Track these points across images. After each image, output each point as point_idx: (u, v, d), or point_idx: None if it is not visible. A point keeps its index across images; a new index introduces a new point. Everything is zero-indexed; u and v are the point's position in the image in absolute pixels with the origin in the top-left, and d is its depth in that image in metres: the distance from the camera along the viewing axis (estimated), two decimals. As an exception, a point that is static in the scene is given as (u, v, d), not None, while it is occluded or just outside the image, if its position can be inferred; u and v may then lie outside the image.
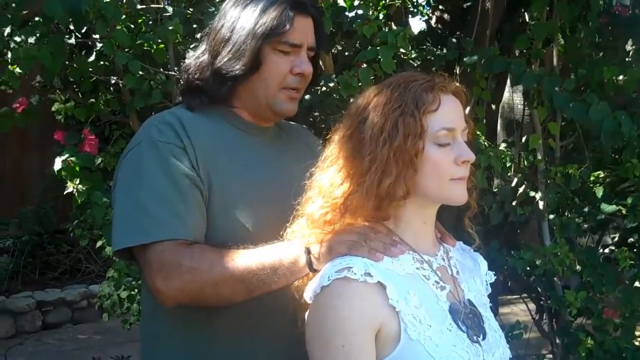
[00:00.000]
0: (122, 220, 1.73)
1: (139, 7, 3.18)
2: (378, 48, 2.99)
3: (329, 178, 1.62)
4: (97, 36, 3.26)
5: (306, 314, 1.56)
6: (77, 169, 3.06)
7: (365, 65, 3.31)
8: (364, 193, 1.54)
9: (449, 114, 1.58)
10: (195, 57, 1.93)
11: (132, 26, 3.25)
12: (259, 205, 1.81)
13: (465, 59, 3.60)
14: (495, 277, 1.82)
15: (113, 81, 3.49)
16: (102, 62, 3.41)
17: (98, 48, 3.28)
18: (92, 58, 3.34)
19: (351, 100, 3.65)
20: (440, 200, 1.61)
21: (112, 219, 1.76)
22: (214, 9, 3.17)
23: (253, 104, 1.89)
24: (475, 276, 1.75)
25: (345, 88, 3.08)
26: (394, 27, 3.55)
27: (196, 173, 1.75)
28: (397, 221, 1.61)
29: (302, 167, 1.72)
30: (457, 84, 1.64)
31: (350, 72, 3.05)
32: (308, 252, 1.60)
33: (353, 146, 1.59)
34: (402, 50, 3.24)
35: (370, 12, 3.79)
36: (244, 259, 1.64)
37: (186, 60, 1.95)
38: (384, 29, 3.25)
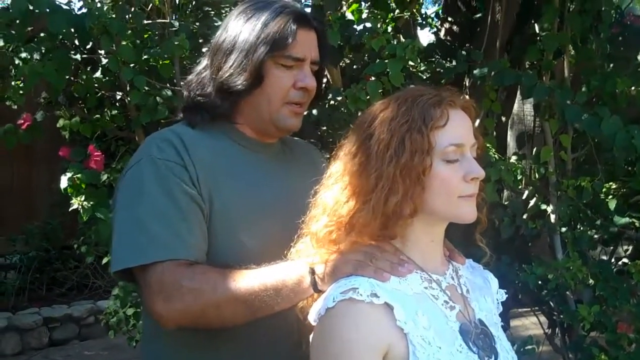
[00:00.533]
0: (121, 240, 1.69)
1: (145, 22, 3.15)
2: (387, 61, 2.94)
3: (334, 196, 1.58)
4: (102, 52, 3.24)
5: (311, 336, 1.51)
6: (83, 186, 3.02)
7: (373, 78, 3.27)
8: (370, 211, 1.50)
9: (457, 130, 1.53)
10: (197, 72, 1.90)
11: (138, 41, 3.21)
12: (262, 224, 1.77)
13: (475, 72, 3.55)
14: (507, 294, 1.77)
15: (119, 97, 3.47)
16: (107, 78, 3.38)
17: (103, 64, 3.25)
18: (97, 74, 3.32)
19: (359, 114, 3.63)
20: (449, 219, 1.56)
21: (112, 239, 1.71)
22: (220, 23, 3.14)
23: (256, 119, 1.86)
24: (486, 295, 1.70)
25: (353, 102, 3.04)
26: (402, 40, 3.52)
27: (197, 191, 1.71)
28: (404, 239, 1.57)
29: (307, 185, 1.67)
30: (466, 98, 1.59)
31: (359, 85, 3.01)
32: (312, 272, 1.55)
33: (359, 163, 1.54)
34: (410, 62, 3.20)
35: (379, 25, 3.76)
36: (247, 280, 1.60)
37: (188, 77, 1.91)
38: (392, 41, 3.21)
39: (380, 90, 3.11)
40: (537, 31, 4.30)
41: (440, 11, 5.59)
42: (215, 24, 3.24)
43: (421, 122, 1.51)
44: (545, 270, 3.59)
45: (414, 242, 1.57)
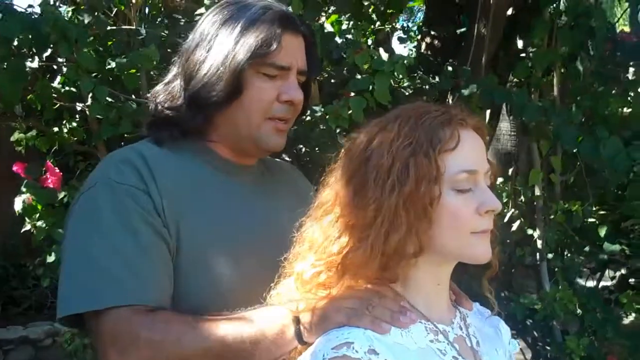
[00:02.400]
0: (70, 280, 1.42)
1: (109, 28, 2.89)
2: (373, 77, 2.72)
3: (323, 230, 1.34)
4: (62, 60, 2.98)
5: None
6: (39, 207, 2.76)
7: (353, 94, 3.06)
8: (368, 250, 1.26)
9: (469, 154, 1.30)
10: (166, 82, 1.65)
11: (101, 49, 2.95)
12: (237, 262, 1.51)
13: (463, 91, 3.34)
14: (519, 346, 1.54)
15: (79, 108, 3.19)
16: (66, 88, 3.11)
17: (63, 73, 2.98)
18: (56, 83, 3.04)
19: (338, 131, 3.41)
20: (459, 258, 1.33)
21: (59, 277, 1.45)
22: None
23: (233, 137, 1.60)
24: (498, 347, 1.47)
25: (334, 119, 2.82)
26: (383, 53, 3.31)
27: (162, 222, 1.45)
28: (406, 282, 1.33)
29: (290, 215, 1.45)
30: (478, 117, 1.36)
31: (341, 101, 2.78)
32: (297, 321, 1.31)
33: (353, 192, 1.31)
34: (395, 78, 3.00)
35: (352, 37, 3.56)
36: (219, 330, 1.35)
37: (156, 87, 1.66)
38: (374, 56, 3.00)
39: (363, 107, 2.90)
40: (522, 47, 4.15)
41: (420, 24, 5.41)
42: (188, 32, 2.97)
43: (428, 144, 1.28)
44: (533, 300, 3.41)
45: (417, 285, 1.34)
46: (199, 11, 3.29)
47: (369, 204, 1.27)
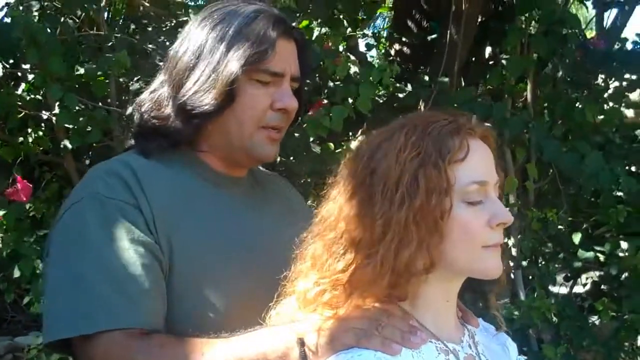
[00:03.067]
0: (57, 303, 1.33)
1: (77, 34, 2.79)
2: (356, 85, 2.66)
3: (326, 246, 1.26)
4: (27, 66, 2.86)
5: None
6: (5, 222, 2.65)
7: (326, 101, 3.00)
8: (377, 267, 1.19)
9: (479, 164, 1.25)
10: (152, 90, 1.56)
11: (69, 55, 2.84)
12: (233, 280, 1.43)
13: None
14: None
15: (45, 117, 3.06)
16: (32, 96, 2.98)
17: (29, 79, 2.86)
18: (20, 90, 2.92)
19: (311, 140, 3.35)
20: (470, 273, 1.27)
21: (44, 300, 1.35)
22: (163, 38, 2.81)
23: (224, 147, 1.52)
24: None
25: (314, 128, 2.74)
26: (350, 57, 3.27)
27: (153, 239, 1.37)
28: (414, 300, 1.27)
29: (284, 229, 1.39)
30: (486, 126, 1.31)
31: (322, 110, 2.71)
32: (302, 343, 1.23)
33: (359, 205, 1.24)
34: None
35: (330, 44, 3.49)
36: (219, 354, 1.26)
37: (142, 96, 1.57)
38: (352, 65, 2.95)
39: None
40: (492, 54, 4.14)
41: (386, 31, 5.38)
42: (158, 39, 2.89)
43: (437, 154, 1.22)
44: (510, 309, 3.38)
45: (426, 303, 1.27)
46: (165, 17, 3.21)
47: (377, 219, 1.20)
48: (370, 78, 2.73)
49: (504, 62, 3.79)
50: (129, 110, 2.81)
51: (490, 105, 3.22)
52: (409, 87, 3.57)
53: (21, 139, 3.16)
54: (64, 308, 1.31)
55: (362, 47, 4.58)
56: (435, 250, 1.21)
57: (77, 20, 3.01)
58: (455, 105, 3.24)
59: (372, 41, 4.82)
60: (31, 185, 2.80)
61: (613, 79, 3.73)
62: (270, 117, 1.51)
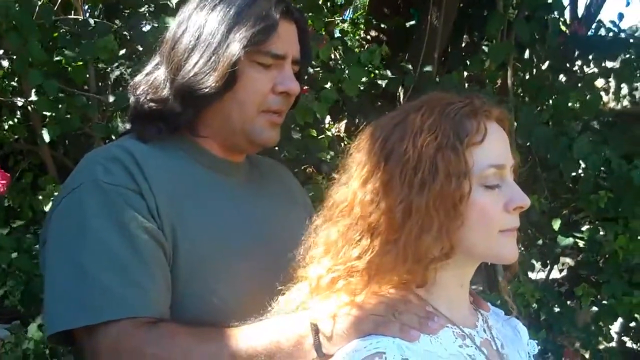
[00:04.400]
0: (59, 293, 1.28)
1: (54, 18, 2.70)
2: (342, 69, 2.62)
3: (340, 232, 1.23)
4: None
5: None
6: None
7: (306, 87, 2.96)
8: (399, 253, 1.16)
9: (497, 147, 1.23)
10: (147, 72, 1.50)
11: (47, 41, 2.76)
12: (237, 266, 1.40)
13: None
14: (539, 347, 1.47)
15: (20, 104, 2.96)
16: (7, 82, 2.89)
17: (3, 65, 2.78)
18: (-6, 77, 2.84)
19: (292, 126, 3.31)
20: (486, 258, 1.25)
21: (45, 290, 1.30)
22: (144, 22, 2.73)
23: (225, 131, 1.47)
24: (520, 348, 1.39)
25: (302, 113, 2.70)
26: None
27: (157, 225, 1.32)
28: (429, 286, 1.24)
29: (288, 215, 1.40)
30: (502, 109, 1.28)
31: (309, 95, 2.66)
32: (316, 330, 1.20)
33: (374, 191, 1.20)
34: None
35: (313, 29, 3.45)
36: (230, 343, 1.23)
37: (136, 78, 1.51)
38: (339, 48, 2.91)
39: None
40: (471, 41, 4.13)
41: (361, 17, 5.35)
42: (140, 25, 2.81)
43: (455, 137, 1.19)
44: (493, 297, 3.38)
45: (440, 288, 1.25)
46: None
47: (397, 204, 1.17)
48: (360, 61, 2.68)
49: (484, 48, 3.77)
50: (110, 97, 2.75)
51: (478, 90, 3.20)
52: (389, 74, 3.53)
53: (-5, 127, 3.08)
54: (67, 298, 1.26)
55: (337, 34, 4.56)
56: (454, 235, 1.18)
57: (53, 5, 2.92)
58: (440, 88, 3.21)
59: (347, 28, 4.79)
60: (9, 175, 2.72)
61: (592, 65, 3.74)
62: (271, 100, 1.47)
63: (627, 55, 3.80)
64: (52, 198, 2.67)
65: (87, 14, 3.34)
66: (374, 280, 1.19)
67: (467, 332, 1.25)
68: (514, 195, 1.22)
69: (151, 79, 1.48)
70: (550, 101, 3.35)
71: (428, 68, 3.38)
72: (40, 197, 2.77)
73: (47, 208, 2.67)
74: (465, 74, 3.64)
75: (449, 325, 1.23)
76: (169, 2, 2.78)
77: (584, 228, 3.88)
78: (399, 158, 1.19)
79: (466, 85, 3.40)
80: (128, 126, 1.54)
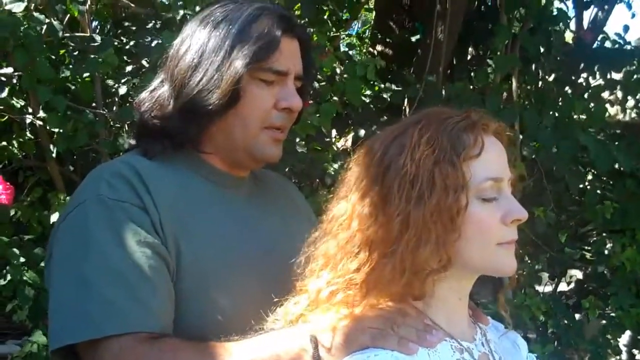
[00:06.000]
0: (63, 307, 1.29)
1: (61, 35, 2.74)
2: (342, 82, 2.65)
3: (339, 246, 1.24)
4: (9, 69, 2.80)
5: None
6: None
7: (311, 102, 2.98)
8: (396, 266, 1.17)
9: (494, 160, 1.24)
10: (151, 89, 1.52)
11: (53, 57, 2.79)
12: (241, 281, 1.41)
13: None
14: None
15: (28, 120, 3.00)
16: (16, 100, 2.93)
17: (14, 82, 2.81)
18: (4, 94, 2.86)
19: (297, 140, 3.33)
20: (484, 271, 1.26)
21: (49, 305, 1.31)
22: (150, 38, 2.77)
23: (228, 147, 1.49)
24: None
25: (303, 127, 2.72)
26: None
27: (161, 241, 1.34)
28: (428, 299, 1.25)
29: (292, 229, 1.40)
30: (500, 122, 1.29)
31: (310, 109, 2.69)
32: (315, 343, 1.21)
33: (372, 204, 1.22)
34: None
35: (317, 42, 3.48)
36: (231, 357, 1.24)
37: (141, 95, 1.53)
38: (339, 59, 2.94)
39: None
40: (476, 54, 4.15)
41: (367, 31, 5.37)
42: (145, 39, 2.84)
43: (452, 151, 1.20)
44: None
45: (439, 301, 1.26)
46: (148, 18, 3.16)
47: (394, 217, 1.18)
48: (356, 73, 2.72)
49: (488, 61, 3.79)
50: (117, 112, 2.78)
51: (482, 99, 3.22)
52: (394, 88, 3.56)
53: (4, 143, 3.11)
54: (70, 313, 1.28)
55: (343, 48, 4.58)
56: (452, 248, 1.19)
57: (62, 23, 2.96)
58: (446, 99, 3.24)
59: (354, 41, 4.82)
60: (13, 187, 2.75)
61: (597, 76, 3.76)
62: (274, 116, 1.49)
63: (632, 67, 3.81)
64: (58, 212, 2.71)
65: (97, 30, 3.39)
66: (372, 293, 1.21)
67: (465, 345, 1.26)
68: (512, 208, 1.23)
69: (156, 96, 1.50)
70: (556, 113, 3.35)
71: (432, 77, 3.40)
72: (46, 212, 2.80)
73: (54, 221, 2.71)
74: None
75: (447, 339, 1.24)
76: (174, 15, 2.80)
77: (591, 240, 3.89)
78: (397, 171, 1.20)
79: (471, 95, 3.40)
80: (133, 142, 1.56)
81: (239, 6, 1.49)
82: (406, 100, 3.64)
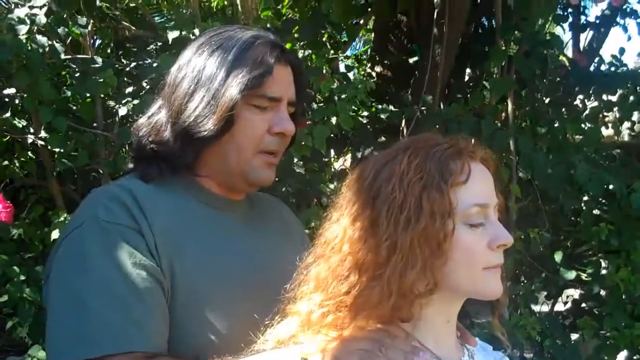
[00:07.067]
0: (60, 327, 1.33)
1: (63, 57, 2.78)
2: (335, 104, 2.69)
3: (330, 269, 1.28)
4: (11, 90, 2.85)
5: None
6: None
7: (309, 122, 3.03)
8: (384, 289, 1.21)
9: (480, 187, 1.27)
10: (149, 115, 1.56)
11: (55, 79, 2.84)
12: (235, 302, 1.44)
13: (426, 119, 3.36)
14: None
15: (30, 140, 3.05)
16: (18, 120, 2.97)
17: (16, 103, 2.86)
18: (7, 114, 2.91)
19: (295, 160, 3.37)
20: (471, 294, 1.29)
21: (47, 324, 1.35)
22: (150, 60, 2.82)
23: (223, 171, 1.53)
24: None
25: (298, 149, 2.76)
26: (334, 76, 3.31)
27: (156, 262, 1.37)
28: (416, 321, 1.28)
29: (286, 252, 1.41)
30: (486, 149, 1.33)
31: (305, 130, 2.73)
32: None
33: (362, 228, 1.25)
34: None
35: (314, 65, 3.53)
36: None
37: (139, 120, 1.58)
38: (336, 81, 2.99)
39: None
40: (472, 76, 4.20)
41: (367, 52, 5.43)
42: (145, 61, 2.89)
43: (439, 177, 1.24)
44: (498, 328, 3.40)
45: (427, 323, 1.29)
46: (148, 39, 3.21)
47: (383, 241, 1.22)
48: (344, 95, 2.77)
49: (485, 83, 3.84)
50: (118, 133, 2.82)
51: (478, 121, 3.26)
52: (392, 109, 3.61)
53: (6, 162, 3.16)
54: (68, 332, 1.31)
55: (342, 69, 4.63)
56: (439, 272, 1.23)
57: (64, 45, 3.01)
58: (443, 120, 3.29)
59: (352, 62, 4.87)
60: (12, 205, 2.78)
61: (592, 98, 3.80)
62: (268, 141, 1.53)
63: (626, 90, 3.86)
64: (58, 229, 2.75)
65: (100, 49, 3.44)
66: (362, 315, 1.24)
67: (452, 366, 1.30)
68: (498, 234, 1.27)
69: (153, 122, 1.54)
70: (550, 135, 3.39)
71: (429, 98, 3.45)
72: (47, 229, 2.84)
73: (54, 237, 2.75)
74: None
75: (434, 360, 1.27)
76: (166, 36, 2.85)
77: (586, 261, 3.92)
78: (386, 197, 1.24)
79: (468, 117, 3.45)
80: (131, 166, 1.60)
81: (234, 34, 1.53)
82: (404, 121, 3.69)
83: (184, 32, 2.91)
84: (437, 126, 3.42)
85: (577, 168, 3.03)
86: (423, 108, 3.52)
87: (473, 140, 1.33)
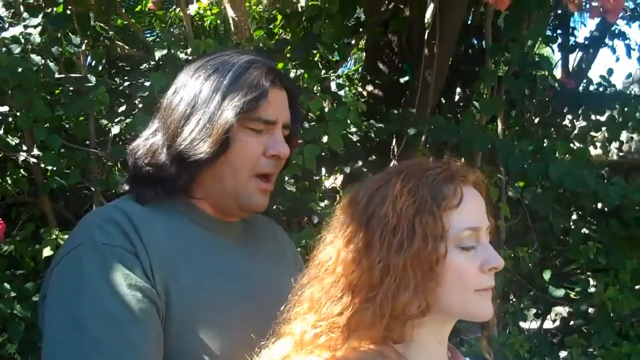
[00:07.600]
0: (57, 347, 1.33)
1: (57, 76, 2.80)
2: (325, 124, 2.72)
3: (324, 290, 1.30)
4: (4, 108, 2.86)
5: None
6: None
7: (300, 141, 3.05)
8: (377, 310, 1.23)
9: (472, 210, 1.30)
10: (145, 137, 1.58)
11: (49, 97, 2.86)
12: (229, 324, 1.45)
13: (409, 130, 3.40)
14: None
15: (22, 158, 3.06)
16: (11, 138, 2.99)
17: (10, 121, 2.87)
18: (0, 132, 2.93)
19: (286, 179, 3.39)
20: (462, 316, 1.31)
21: (43, 345, 1.36)
22: (142, 80, 2.84)
23: (218, 194, 1.55)
24: None
25: (289, 168, 2.78)
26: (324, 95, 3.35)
27: (151, 284, 1.38)
28: (408, 342, 1.30)
29: (279, 273, 1.45)
30: (479, 173, 1.36)
31: (297, 148, 2.76)
32: None
33: (356, 250, 1.28)
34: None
35: (305, 85, 3.56)
36: None
37: (135, 142, 1.59)
38: (325, 102, 3.02)
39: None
40: (463, 96, 4.24)
41: (358, 70, 5.47)
42: (138, 80, 2.91)
43: (432, 201, 1.26)
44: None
45: (419, 344, 1.31)
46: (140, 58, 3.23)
47: (376, 263, 1.24)
48: (337, 116, 2.79)
49: (475, 103, 3.88)
50: (110, 151, 2.84)
51: (458, 129, 3.32)
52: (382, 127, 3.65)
53: (-1, 180, 3.17)
54: (64, 353, 1.32)
55: (333, 88, 4.67)
56: (431, 294, 1.25)
57: (57, 64, 3.03)
58: (431, 128, 3.34)
59: (343, 81, 4.91)
60: (4, 223, 2.79)
61: (581, 118, 3.85)
62: (263, 163, 1.55)
63: (614, 110, 3.92)
64: (50, 246, 2.75)
65: (92, 66, 3.46)
66: (354, 336, 1.26)
67: (442, 386, 1.31)
68: (490, 257, 1.29)
69: (149, 144, 1.55)
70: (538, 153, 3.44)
71: (413, 110, 3.50)
72: (38, 246, 2.84)
73: (46, 255, 2.76)
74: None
75: (425, 381, 1.29)
76: (154, 53, 2.87)
77: (576, 279, 3.95)
78: (379, 220, 1.26)
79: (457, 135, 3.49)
80: (127, 187, 1.62)
81: (230, 58, 1.56)
82: (394, 140, 3.73)
83: (172, 51, 2.94)
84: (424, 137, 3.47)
85: (552, 165, 3.08)
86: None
87: (464, 164, 1.36)
